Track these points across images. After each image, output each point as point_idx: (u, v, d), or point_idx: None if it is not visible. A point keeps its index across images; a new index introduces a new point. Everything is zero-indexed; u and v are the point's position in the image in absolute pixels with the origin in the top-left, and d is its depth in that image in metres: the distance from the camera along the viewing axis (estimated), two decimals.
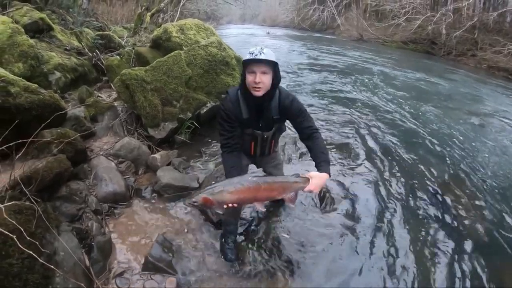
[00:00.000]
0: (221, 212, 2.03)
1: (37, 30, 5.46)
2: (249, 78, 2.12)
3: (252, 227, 2.99)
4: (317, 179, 2.02)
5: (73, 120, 3.63)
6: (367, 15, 28.31)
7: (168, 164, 3.73)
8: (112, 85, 4.73)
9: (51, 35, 5.75)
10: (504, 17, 18.25)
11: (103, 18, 12.02)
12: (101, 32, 7.75)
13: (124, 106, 4.41)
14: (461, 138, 5.44)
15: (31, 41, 4.56)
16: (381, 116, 6.21)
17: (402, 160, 4.44)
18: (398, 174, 4.05)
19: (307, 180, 2.01)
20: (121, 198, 3.10)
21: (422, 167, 4.29)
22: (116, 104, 4.57)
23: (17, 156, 2.43)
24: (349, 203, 3.42)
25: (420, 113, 6.56)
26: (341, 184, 3.69)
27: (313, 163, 2.21)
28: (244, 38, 20.66)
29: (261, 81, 2.08)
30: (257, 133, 2.41)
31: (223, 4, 22.71)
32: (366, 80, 9.37)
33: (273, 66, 2.13)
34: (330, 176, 2.10)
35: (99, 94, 5.24)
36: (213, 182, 3.27)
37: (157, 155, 3.68)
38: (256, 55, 2.05)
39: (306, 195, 3.30)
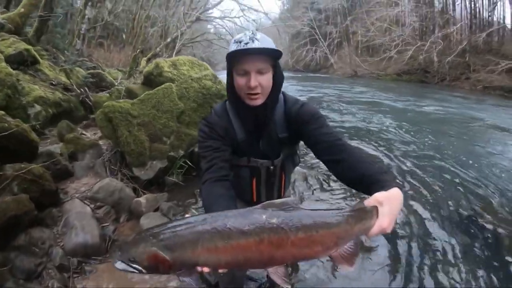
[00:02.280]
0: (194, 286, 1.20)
1: (22, 61, 5.14)
2: (240, 81, 1.40)
3: None
4: (390, 203, 1.03)
5: (45, 156, 3.13)
6: (359, 51, 29.43)
7: (156, 210, 3.18)
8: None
9: (36, 69, 5.43)
10: (492, 37, 18.88)
11: (98, 61, 11.93)
12: (92, 70, 7.49)
13: (109, 144, 3.95)
14: (479, 160, 5.17)
15: (10, 69, 4.19)
16: (395, 147, 5.87)
17: (427, 191, 3.95)
18: (425, 206, 3.57)
19: (374, 211, 1.02)
20: (94, 252, 2.52)
21: (448, 195, 3.85)
22: (101, 143, 4.11)
23: None
24: (383, 247, 2.84)
25: (430, 141, 6.34)
26: None
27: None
28: None
29: (257, 84, 1.36)
30: (259, 163, 1.61)
31: (218, 49, 22.97)
32: (368, 113, 9.23)
33: (274, 59, 1.41)
34: (402, 191, 1.10)
35: (84, 132, 4.80)
36: (187, 215, 2.70)
37: (141, 199, 3.15)
38: (246, 43, 1.32)
39: None
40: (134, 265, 0.95)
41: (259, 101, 1.41)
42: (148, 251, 0.93)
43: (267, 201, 1.00)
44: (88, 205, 2.97)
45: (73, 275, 2.32)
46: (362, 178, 1.21)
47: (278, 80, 1.47)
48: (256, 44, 1.31)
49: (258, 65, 1.35)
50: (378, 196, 1.04)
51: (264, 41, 1.34)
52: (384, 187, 1.09)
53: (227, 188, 1.38)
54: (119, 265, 0.96)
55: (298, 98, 1.58)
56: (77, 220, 2.64)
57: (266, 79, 1.38)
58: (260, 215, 0.95)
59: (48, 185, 2.72)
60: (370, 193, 1.09)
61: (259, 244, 0.92)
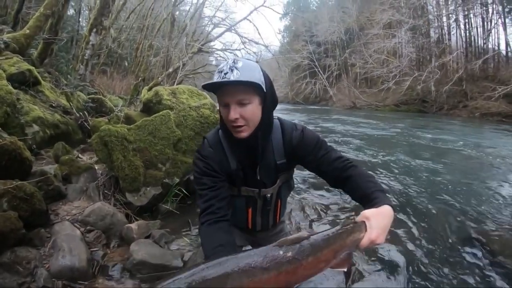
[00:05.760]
0: None
1: (24, 81, 5.18)
2: (223, 113, 1.39)
3: None
4: (377, 218, 1.17)
5: (38, 175, 3.11)
6: (358, 83, 30.04)
7: (148, 237, 3.10)
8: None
9: (37, 90, 5.46)
10: (488, 64, 19.24)
11: (100, 87, 12.06)
12: (93, 96, 7.57)
13: (104, 169, 3.93)
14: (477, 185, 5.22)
15: (11, 87, 4.25)
16: (394, 177, 5.81)
17: (430, 220, 3.88)
18: (430, 235, 3.49)
19: (363, 226, 1.19)
20: (80, 276, 2.43)
21: (451, 223, 3.76)
22: (96, 167, 4.09)
23: None
24: (382, 275, 2.73)
25: (431, 171, 6.24)
26: (369, 252, 2.96)
27: None
28: None
29: (238, 116, 1.33)
30: (255, 192, 1.58)
31: None
32: (367, 144, 9.22)
33: (257, 88, 1.36)
34: (392, 208, 1.25)
35: (80, 155, 4.79)
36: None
37: (133, 225, 3.08)
38: (226, 73, 1.28)
39: None
40: None
41: (244, 133, 1.39)
42: None
43: (282, 239, 1.14)
44: (78, 228, 2.91)
45: None
46: (362, 197, 1.35)
47: (267, 110, 1.43)
48: (235, 74, 1.28)
49: (238, 96, 1.32)
50: (366, 212, 1.21)
51: (244, 71, 1.29)
52: (375, 204, 1.25)
53: (227, 231, 1.40)
54: None
55: (296, 123, 1.57)
56: (66, 242, 2.57)
57: (250, 111, 1.35)
58: (277, 252, 1.10)
59: (39, 204, 2.67)
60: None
61: (278, 276, 1.08)
